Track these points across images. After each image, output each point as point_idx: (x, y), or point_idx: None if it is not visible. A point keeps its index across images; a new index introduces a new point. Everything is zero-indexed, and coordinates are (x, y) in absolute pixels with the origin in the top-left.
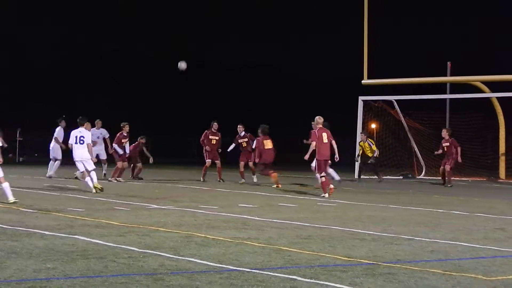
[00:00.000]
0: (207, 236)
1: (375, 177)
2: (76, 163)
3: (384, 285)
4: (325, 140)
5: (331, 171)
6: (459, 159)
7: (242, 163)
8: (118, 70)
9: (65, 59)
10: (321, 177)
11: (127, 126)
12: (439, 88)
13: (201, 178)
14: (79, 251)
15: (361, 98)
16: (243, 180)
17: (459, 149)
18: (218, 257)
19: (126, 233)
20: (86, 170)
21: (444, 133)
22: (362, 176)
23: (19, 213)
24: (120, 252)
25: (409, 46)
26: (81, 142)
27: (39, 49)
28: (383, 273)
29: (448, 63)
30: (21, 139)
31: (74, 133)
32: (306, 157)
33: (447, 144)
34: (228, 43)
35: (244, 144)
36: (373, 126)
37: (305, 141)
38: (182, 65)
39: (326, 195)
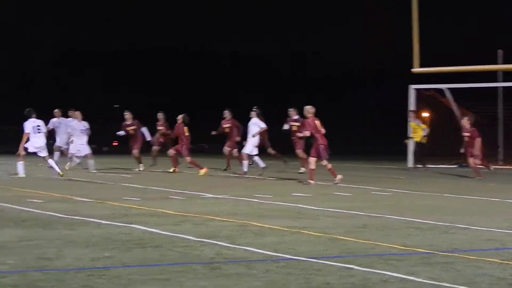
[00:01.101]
0: (263, 225)
1: (420, 166)
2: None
3: (441, 274)
4: (319, 128)
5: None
6: (475, 151)
7: (299, 151)
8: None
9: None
10: (328, 164)
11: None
12: (489, 76)
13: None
14: (136, 240)
15: (412, 86)
16: (303, 169)
17: (477, 140)
18: (274, 246)
19: (181, 222)
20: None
21: (465, 122)
22: (417, 165)
23: (74, 203)
24: (177, 241)
25: (459, 34)
26: (39, 131)
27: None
28: (440, 262)
29: (499, 50)
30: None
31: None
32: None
33: (468, 134)
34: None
35: (295, 128)
36: (425, 114)
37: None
38: None
39: (313, 182)
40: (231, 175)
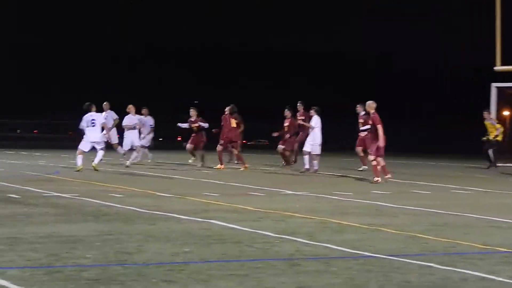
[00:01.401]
0: (342, 222)
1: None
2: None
3: None
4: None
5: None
6: None
7: (360, 148)
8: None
9: None
10: (372, 160)
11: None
12: None
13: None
14: (215, 235)
15: (494, 85)
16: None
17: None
18: (353, 243)
19: (261, 218)
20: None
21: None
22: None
23: (155, 198)
24: (256, 237)
25: None
26: (93, 124)
27: None
28: None
29: None
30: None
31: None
32: (382, 144)
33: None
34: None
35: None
36: (506, 113)
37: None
38: None
39: (380, 179)
40: (294, 172)
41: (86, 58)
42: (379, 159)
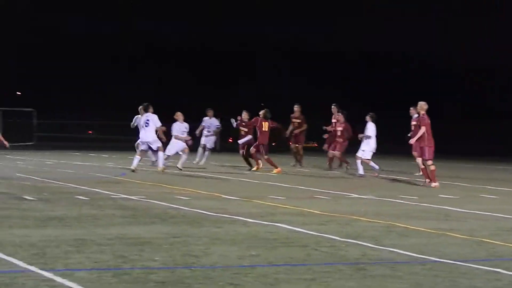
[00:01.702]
0: (408, 226)
1: None
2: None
3: None
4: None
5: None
6: None
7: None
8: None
9: None
10: (431, 165)
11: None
12: None
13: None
14: (282, 238)
15: None
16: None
17: None
18: (419, 248)
19: (327, 221)
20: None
21: None
22: None
23: (222, 200)
24: (322, 240)
25: None
26: (147, 125)
27: None
28: None
29: None
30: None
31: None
32: (412, 141)
33: None
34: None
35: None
36: None
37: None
38: None
39: (437, 184)
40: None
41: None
42: (429, 162)
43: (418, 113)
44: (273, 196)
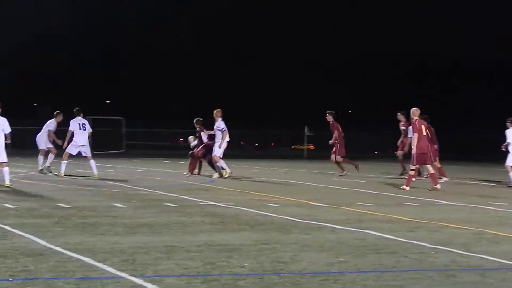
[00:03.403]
0: (498, 233)
1: None
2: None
3: None
4: (424, 132)
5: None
6: None
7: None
8: None
9: None
10: (410, 170)
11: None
12: None
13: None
14: (370, 245)
15: None
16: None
17: None
18: (510, 255)
19: (415, 228)
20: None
21: None
22: None
23: (310, 207)
24: (411, 247)
25: None
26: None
27: None
28: None
29: None
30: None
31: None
32: (405, 149)
33: None
34: None
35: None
36: None
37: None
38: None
39: (408, 188)
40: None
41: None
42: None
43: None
44: (361, 203)
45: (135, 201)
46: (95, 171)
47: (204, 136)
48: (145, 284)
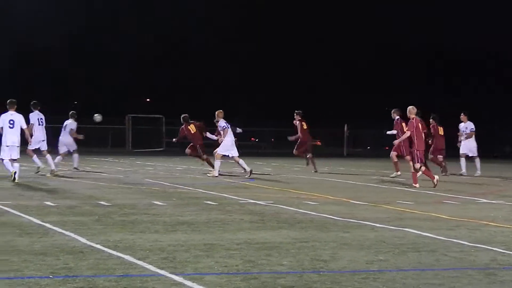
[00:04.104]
0: None
1: None
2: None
3: None
4: (421, 130)
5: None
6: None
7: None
8: None
9: None
10: (420, 168)
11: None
12: None
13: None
14: (409, 243)
15: None
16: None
17: None
18: None
19: (455, 226)
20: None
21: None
22: None
23: (349, 205)
24: (451, 245)
25: None
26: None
27: None
28: None
29: None
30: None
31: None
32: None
33: None
34: None
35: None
36: None
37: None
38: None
39: (417, 185)
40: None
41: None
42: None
43: (408, 118)
44: (401, 201)
45: (175, 199)
46: (39, 163)
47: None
48: (185, 281)
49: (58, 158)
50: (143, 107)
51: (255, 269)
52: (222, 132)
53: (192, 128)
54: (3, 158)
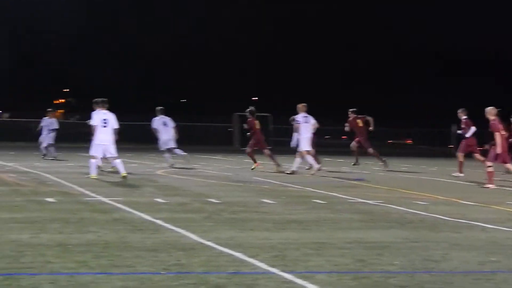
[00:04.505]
0: None
1: None
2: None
3: None
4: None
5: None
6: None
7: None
8: None
9: None
10: (488, 167)
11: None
12: None
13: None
14: None
15: None
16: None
17: None
18: None
19: None
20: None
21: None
22: None
23: (459, 206)
24: None
25: None
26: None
27: None
28: None
29: None
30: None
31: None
32: (499, 150)
33: None
34: None
35: None
36: None
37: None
38: None
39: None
40: None
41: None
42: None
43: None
44: (511, 202)
45: (284, 198)
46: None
47: None
48: (296, 280)
49: (168, 156)
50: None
51: (366, 268)
52: (299, 126)
53: (257, 123)
54: (95, 156)
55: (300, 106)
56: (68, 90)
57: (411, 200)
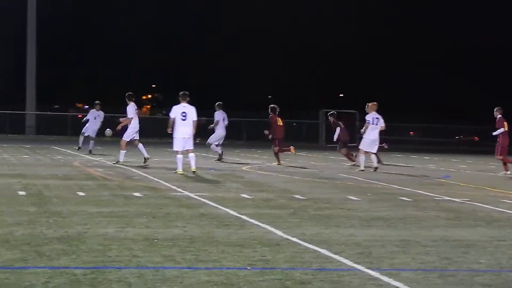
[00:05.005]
0: None
1: None
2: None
3: None
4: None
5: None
6: None
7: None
8: None
9: None
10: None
11: None
12: None
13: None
14: None
15: None
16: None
17: None
18: None
19: None
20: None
21: None
22: None
23: None
24: None
25: None
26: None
27: None
28: None
29: None
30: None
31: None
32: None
33: None
34: None
35: None
36: None
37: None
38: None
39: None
40: None
41: None
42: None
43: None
44: None
45: (370, 194)
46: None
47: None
48: (381, 277)
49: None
50: (338, 102)
51: (451, 266)
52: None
53: (279, 120)
54: (177, 150)
55: (370, 105)
56: (154, 86)
57: (498, 199)
